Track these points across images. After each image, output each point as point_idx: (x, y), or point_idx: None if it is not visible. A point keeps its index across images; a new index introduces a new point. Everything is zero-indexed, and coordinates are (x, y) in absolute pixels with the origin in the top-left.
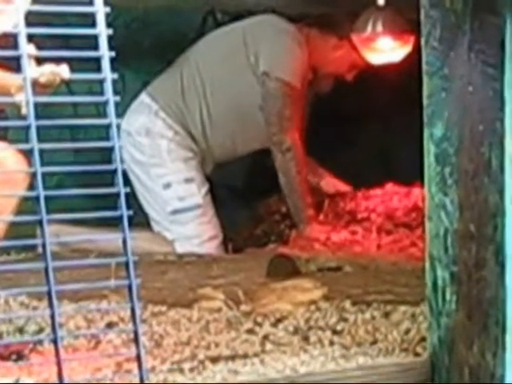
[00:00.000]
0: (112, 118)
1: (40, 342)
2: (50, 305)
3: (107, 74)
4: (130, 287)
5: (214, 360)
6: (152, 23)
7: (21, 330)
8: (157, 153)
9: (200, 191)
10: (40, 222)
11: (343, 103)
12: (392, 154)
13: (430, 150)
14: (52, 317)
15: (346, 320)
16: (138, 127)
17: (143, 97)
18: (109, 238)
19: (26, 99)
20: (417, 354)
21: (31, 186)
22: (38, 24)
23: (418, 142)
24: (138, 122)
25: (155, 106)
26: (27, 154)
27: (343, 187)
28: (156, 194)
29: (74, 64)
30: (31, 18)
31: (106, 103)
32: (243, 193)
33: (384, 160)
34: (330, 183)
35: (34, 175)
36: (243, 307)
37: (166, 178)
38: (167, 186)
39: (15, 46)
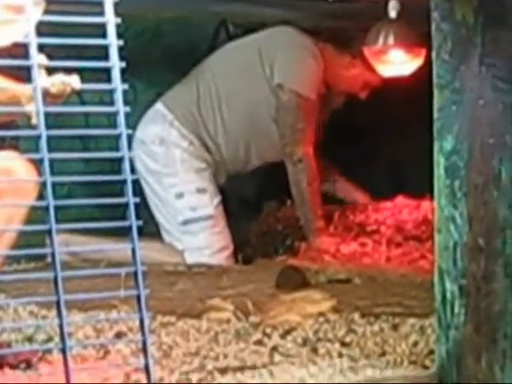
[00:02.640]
0: (122, 129)
1: (49, 351)
2: (59, 314)
3: (118, 84)
4: (138, 297)
5: (223, 371)
6: (163, 34)
7: (30, 339)
8: (170, 162)
9: (212, 202)
10: (49, 232)
11: (354, 117)
12: (403, 167)
13: (439, 163)
14: (61, 326)
15: (354, 332)
16: (153, 136)
17: (158, 106)
18: (118, 248)
19: (36, 109)
20: (425, 367)
21: (41, 196)
22: (49, 34)
23: (429, 155)
24: (152, 131)
25: (170, 115)
26: (37, 164)
27: (362, 198)
28: (168, 203)
29: (85, 74)
30: (42, 28)
31: (116, 113)
32: (255, 204)
33: (395, 173)
34: (348, 191)
35: (43, 185)
36: (252, 318)
37: (179, 187)
38: (179, 195)
39: (26, 56)
